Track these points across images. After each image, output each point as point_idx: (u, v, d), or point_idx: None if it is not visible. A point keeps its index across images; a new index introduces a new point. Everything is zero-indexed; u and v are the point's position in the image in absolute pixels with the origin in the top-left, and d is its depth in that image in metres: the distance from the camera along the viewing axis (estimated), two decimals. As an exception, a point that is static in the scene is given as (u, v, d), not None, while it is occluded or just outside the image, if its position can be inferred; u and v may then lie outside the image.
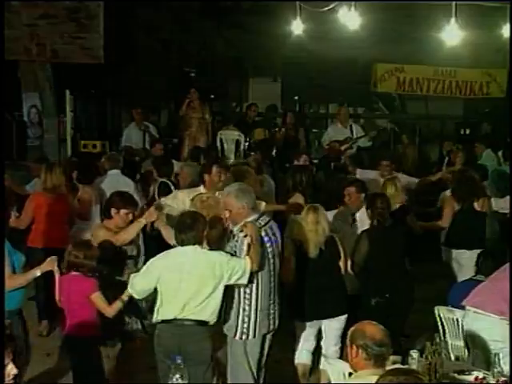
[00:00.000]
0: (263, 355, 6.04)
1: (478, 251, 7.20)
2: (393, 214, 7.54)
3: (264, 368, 6.10)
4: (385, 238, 7.11)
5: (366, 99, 16.62)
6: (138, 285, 5.69)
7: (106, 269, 6.09)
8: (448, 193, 8.95)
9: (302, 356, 6.79)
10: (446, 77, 15.22)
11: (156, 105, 15.59)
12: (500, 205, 8.80)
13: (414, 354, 5.20)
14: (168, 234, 6.45)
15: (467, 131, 15.37)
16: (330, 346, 6.71)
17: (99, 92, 14.64)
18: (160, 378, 5.59)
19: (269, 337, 6.05)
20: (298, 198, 8.18)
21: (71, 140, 12.49)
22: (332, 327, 6.67)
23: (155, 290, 5.61)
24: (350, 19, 10.72)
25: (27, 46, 11.66)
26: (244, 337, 5.83)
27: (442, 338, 6.12)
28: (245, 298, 5.81)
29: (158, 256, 5.70)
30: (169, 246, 6.15)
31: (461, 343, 6.46)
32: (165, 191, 8.94)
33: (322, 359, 5.73)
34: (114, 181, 9.01)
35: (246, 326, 5.81)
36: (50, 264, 5.82)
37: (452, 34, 10.16)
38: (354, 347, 4.27)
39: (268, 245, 5.89)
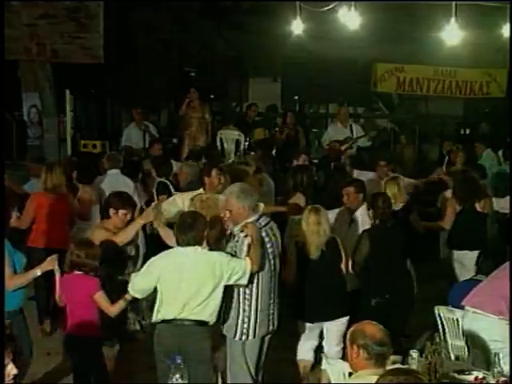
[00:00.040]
0: (262, 356, 6.04)
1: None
2: (395, 214, 7.54)
3: (262, 369, 6.10)
4: (386, 238, 7.10)
5: (365, 99, 16.63)
6: (138, 284, 5.69)
7: (107, 268, 6.09)
8: (448, 193, 8.95)
9: (304, 353, 6.79)
10: (446, 77, 15.22)
11: (156, 105, 15.60)
12: (501, 205, 8.80)
13: (414, 353, 5.20)
14: (165, 234, 6.45)
15: (467, 131, 15.38)
16: (332, 346, 6.70)
17: (99, 92, 14.65)
18: (159, 378, 5.59)
19: (267, 339, 6.05)
20: (298, 198, 8.19)
21: (71, 140, 12.49)
22: (334, 329, 6.66)
23: (155, 289, 5.61)
24: (350, 19, 10.73)
25: (27, 46, 11.65)
26: (244, 337, 5.83)
27: (442, 338, 6.12)
28: (245, 298, 5.81)
29: (158, 256, 5.71)
30: (170, 246, 6.15)
31: (461, 343, 6.46)
32: (163, 191, 8.95)
33: (323, 359, 5.72)
34: (114, 181, 9.01)
35: (245, 326, 5.81)
36: (51, 263, 5.82)
37: (452, 34, 10.16)
38: (355, 347, 4.27)
39: (268, 245, 5.89)
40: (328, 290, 6.61)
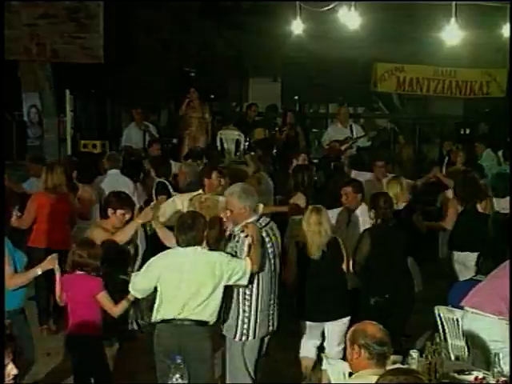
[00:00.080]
0: (260, 356, 6.03)
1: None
2: (398, 214, 7.54)
3: (260, 370, 6.10)
4: (387, 238, 7.09)
5: (365, 99, 16.64)
6: (138, 284, 5.70)
7: (109, 268, 6.08)
8: (449, 193, 8.94)
9: (307, 350, 6.78)
10: (446, 77, 15.23)
11: (156, 105, 15.61)
12: (501, 205, 8.79)
13: (414, 353, 5.19)
14: (164, 235, 6.45)
15: (467, 131, 15.38)
16: (333, 346, 6.69)
17: (99, 92, 14.65)
18: (159, 378, 5.59)
19: (266, 340, 6.05)
20: (299, 198, 8.19)
21: (71, 140, 12.50)
22: (335, 329, 6.65)
23: (155, 289, 5.62)
24: (350, 19, 10.73)
25: (27, 46, 11.65)
26: (244, 338, 5.82)
27: (442, 338, 6.12)
28: (245, 298, 5.80)
29: (158, 255, 5.71)
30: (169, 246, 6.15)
31: (461, 343, 6.46)
32: (162, 191, 8.95)
33: (323, 359, 5.72)
34: (114, 180, 9.02)
35: (245, 326, 5.81)
36: (51, 262, 5.81)
37: (452, 34, 10.16)
38: (356, 347, 4.26)
39: (269, 245, 5.88)
40: (329, 290, 6.60)
